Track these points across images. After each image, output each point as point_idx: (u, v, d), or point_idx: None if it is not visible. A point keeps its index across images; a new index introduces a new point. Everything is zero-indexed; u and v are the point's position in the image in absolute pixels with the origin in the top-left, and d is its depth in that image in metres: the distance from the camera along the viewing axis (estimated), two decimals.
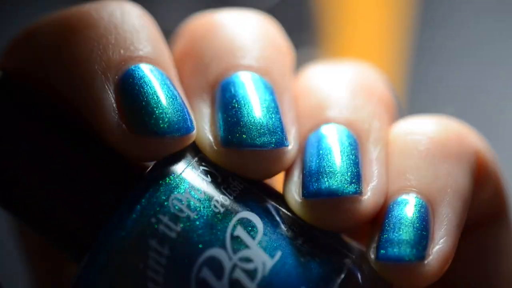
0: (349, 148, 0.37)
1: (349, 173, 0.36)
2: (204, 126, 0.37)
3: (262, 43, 0.39)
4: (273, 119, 0.36)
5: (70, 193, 0.36)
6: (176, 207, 0.35)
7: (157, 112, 0.35)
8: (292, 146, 0.36)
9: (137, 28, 0.37)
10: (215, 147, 0.36)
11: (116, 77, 0.36)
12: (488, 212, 0.40)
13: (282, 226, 0.36)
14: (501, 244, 0.41)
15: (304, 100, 0.39)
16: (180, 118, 0.36)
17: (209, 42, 0.39)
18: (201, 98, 0.37)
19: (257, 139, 0.36)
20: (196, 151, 0.37)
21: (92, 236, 0.35)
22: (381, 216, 0.36)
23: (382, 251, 0.35)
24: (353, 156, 0.36)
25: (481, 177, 0.39)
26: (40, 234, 0.38)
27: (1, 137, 0.36)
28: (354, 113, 0.38)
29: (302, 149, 0.37)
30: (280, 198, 0.37)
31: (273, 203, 0.36)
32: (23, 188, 0.36)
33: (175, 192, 0.35)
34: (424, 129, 0.38)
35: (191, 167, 0.36)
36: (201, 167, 0.36)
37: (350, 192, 0.35)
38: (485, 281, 0.41)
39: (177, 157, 0.36)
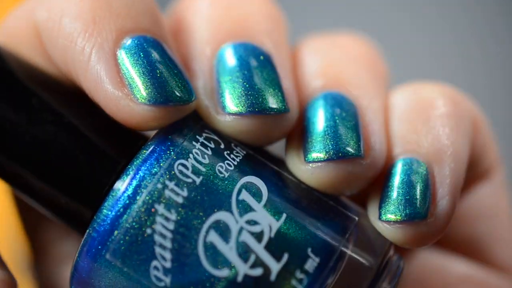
0: (349, 112, 0.37)
1: (350, 137, 0.36)
2: (205, 94, 0.37)
3: (258, 14, 0.39)
4: (273, 86, 0.37)
5: (76, 160, 0.36)
6: (182, 173, 0.35)
7: (158, 81, 0.36)
8: (292, 111, 0.37)
9: (134, 0, 0.38)
10: (216, 115, 0.37)
11: (116, 47, 0.36)
12: (477, 169, 0.41)
13: (286, 189, 0.36)
14: (490, 204, 0.42)
15: (303, 67, 0.39)
16: (181, 86, 0.36)
17: (206, 12, 0.39)
18: (200, 67, 0.38)
19: (257, 105, 0.36)
20: (198, 119, 0.37)
21: (98, 202, 0.36)
22: (382, 178, 0.37)
23: (384, 211, 0.36)
24: (354, 121, 0.37)
25: (477, 132, 0.39)
26: (45, 205, 0.38)
27: (6, 106, 0.36)
28: (352, 80, 0.38)
29: (302, 115, 0.38)
30: (283, 163, 0.37)
31: (275, 168, 0.37)
32: (27, 158, 0.36)
33: (180, 158, 0.35)
34: (422, 94, 0.38)
35: (194, 134, 0.36)
36: (204, 134, 0.36)
37: (352, 155, 0.36)
38: (479, 242, 0.42)
39: (179, 125, 0.36)
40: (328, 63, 0.39)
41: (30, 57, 0.39)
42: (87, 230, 0.35)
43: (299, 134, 0.37)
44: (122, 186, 0.35)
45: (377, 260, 0.36)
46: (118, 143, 0.37)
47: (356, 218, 0.36)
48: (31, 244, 0.43)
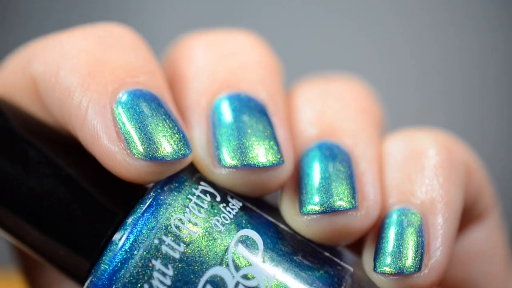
0: (343, 163, 0.37)
1: (344, 189, 0.37)
2: (200, 146, 0.37)
3: (253, 63, 0.39)
4: (267, 138, 0.37)
5: (74, 212, 0.37)
6: (178, 228, 0.35)
7: (154, 137, 0.36)
8: (287, 163, 0.37)
9: (129, 51, 0.38)
10: (212, 168, 0.37)
11: (113, 102, 0.36)
12: (472, 212, 0.42)
13: (281, 242, 0.37)
14: (485, 246, 0.42)
15: (298, 115, 0.39)
16: (177, 141, 0.36)
17: (201, 62, 0.39)
18: (195, 118, 0.38)
19: (252, 159, 0.37)
20: (194, 170, 0.37)
21: (96, 257, 0.36)
22: (377, 228, 0.37)
23: (379, 263, 0.36)
24: (348, 172, 0.37)
25: (469, 181, 0.40)
26: (43, 256, 0.38)
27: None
28: (346, 128, 0.39)
29: (298, 166, 0.38)
30: (278, 214, 0.38)
31: (271, 219, 0.37)
32: (25, 210, 0.37)
33: (177, 213, 0.36)
34: (415, 143, 0.39)
35: (190, 187, 0.37)
36: (200, 187, 0.37)
37: (347, 207, 0.36)
38: (473, 283, 0.42)
39: (176, 178, 0.37)
40: (322, 111, 0.39)
41: (27, 107, 0.39)
42: (86, 284, 0.36)
43: (294, 185, 0.38)
44: (120, 240, 0.35)
45: None
46: (116, 195, 0.37)
47: (351, 269, 0.37)
48: (31, 286, 0.44)
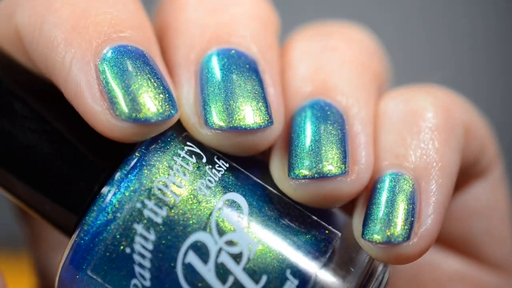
0: (335, 125, 0.36)
1: (334, 153, 0.36)
2: (188, 105, 0.36)
3: (246, 17, 0.38)
4: (256, 99, 0.36)
5: (58, 168, 0.36)
6: (161, 192, 0.35)
7: (139, 97, 0.35)
8: (276, 124, 0.36)
9: (116, 4, 0.36)
10: (199, 128, 0.36)
11: (97, 59, 0.35)
12: (474, 170, 0.40)
13: (268, 205, 0.36)
14: (487, 202, 0.41)
15: (292, 70, 0.38)
16: (162, 102, 0.35)
17: (192, 13, 0.38)
18: (184, 74, 0.37)
19: (240, 121, 0.35)
20: (181, 129, 0.36)
21: (81, 214, 0.36)
22: (369, 190, 0.36)
23: (367, 230, 0.35)
24: (340, 134, 0.36)
25: (468, 142, 0.38)
26: (31, 208, 0.38)
27: None
28: (341, 86, 0.37)
29: (289, 124, 0.37)
30: (267, 173, 0.37)
31: (259, 181, 0.36)
32: (13, 163, 0.36)
33: (160, 176, 0.35)
34: (413, 104, 0.37)
35: (175, 148, 0.36)
36: (186, 147, 0.36)
37: (337, 173, 0.35)
38: (473, 239, 0.42)
39: (161, 138, 0.36)
40: (317, 68, 0.38)
41: (13, 55, 0.38)
42: (70, 244, 0.35)
43: (285, 145, 0.37)
44: (103, 202, 0.35)
45: (358, 278, 0.35)
46: (102, 150, 0.36)
47: (339, 234, 0.36)
48: (29, 229, 0.44)
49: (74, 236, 0.35)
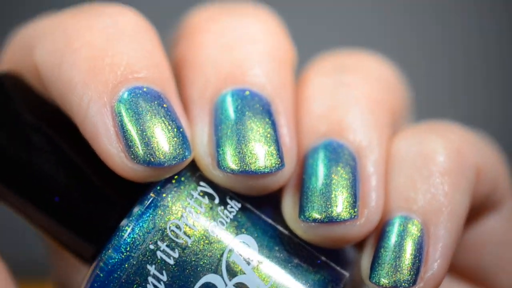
0: (347, 168, 0.37)
1: (345, 198, 0.36)
2: (202, 144, 0.37)
3: (261, 54, 0.38)
4: (268, 143, 0.36)
5: (72, 210, 0.37)
6: (174, 233, 0.36)
7: (153, 141, 0.36)
8: (288, 166, 0.37)
9: (133, 43, 0.37)
10: (211, 168, 0.37)
11: (113, 101, 0.36)
12: (486, 204, 0.41)
13: (278, 247, 0.37)
14: (500, 234, 0.42)
15: (307, 109, 0.38)
16: (176, 145, 0.36)
17: (208, 51, 0.38)
18: (199, 113, 0.37)
19: (251, 165, 0.36)
20: (195, 169, 0.37)
21: (93, 255, 0.37)
22: (377, 233, 0.37)
23: (374, 273, 0.36)
24: (351, 179, 0.37)
25: (480, 182, 0.39)
26: (53, 241, 0.39)
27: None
28: (355, 127, 0.38)
29: (301, 164, 0.37)
30: (278, 214, 0.38)
31: (269, 221, 0.37)
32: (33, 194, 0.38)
33: (173, 218, 0.36)
34: (425, 146, 0.38)
35: (189, 190, 0.36)
36: (199, 188, 0.37)
37: (346, 218, 0.36)
38: (484, 269, 0.42)
39: (176, 179, 0.37)
40: (332, 106, 0.38)
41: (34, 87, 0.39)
42: (86, 279, 0.37)
43: (297, 185, 0.37)
44: (120, 239, 0.36)
45: None
46: (113, 196, 0.37)
47: (347, 275, 0.37)
48: (50, 248, 0.45)
49: (90, 271, 0.37)
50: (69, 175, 0.37)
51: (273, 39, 0.39)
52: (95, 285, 0.36)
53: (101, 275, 0.36)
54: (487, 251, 0.42)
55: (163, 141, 0.36)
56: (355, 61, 0.41)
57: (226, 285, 0.36)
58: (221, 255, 0.36)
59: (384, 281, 0.36)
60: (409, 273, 0.36)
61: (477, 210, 0.41)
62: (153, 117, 0.36)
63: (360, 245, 0.38)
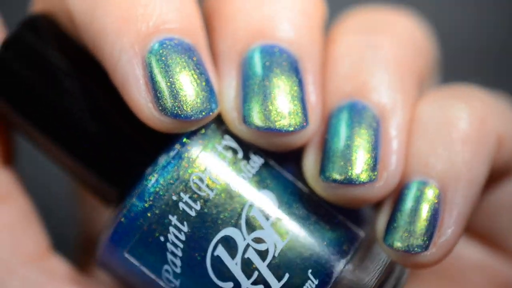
0: (370, 130, 0.37)
1: (366, 160, 0.37)
2: (229, 99, 0.38)
3: (292, 10, 0.38)
4: (294, 101, 0.37)
5: (100, 154, 0.38)
6: (197, 186, 0.37)
7: (181, 94, 0.36)
8: (312, 125, 0.37)
9: None
10: (237, 123, 0.37)
11: (144, 51, 0.37)
12: (507, 169, 0.41)
13: (297, 204, 0.37)
14: None
15: (334, 68, 0.39)
16: (204, 99, 0.37)
17: (240, 4, 0.39)
18: (227, 66, 0.38)
19: (277, 121, 0.37)
20: (221, 122, 0.38)
21: (117, 200, 0.38)
22: (395, 195, 0.38)
23: (389, 236, 0.37)
24: (373, 141, 0.37)
25: (501, 150, 0.39)
26: (79, 181, 0.41)
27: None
28: (380, 88, 0.38)
29: (325, 124, 0.38)
30: (300, 171, 0.38)
31: (290, 178, 0.38)
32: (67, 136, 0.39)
33: (196, 171, 0.37)
34: (448, 113, 0.38)
35: (213, 143, 0.37)
36: (223, 142, 0.37)
37: (365, 181, 0.37)
38: (498, 232, 0.43)
39: (201, 132, 0.37)
40: (359, 67, 0.39)
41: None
42: (110, 224, 0.38)
43: (320, 144, 0.38)
44: (144, 188, 0.37)
45: (377, 278, 0.37)
46: (140, 144, 0.38)
47: (362, 235, 0.38)
48: (76, 191, 0.46)
49: (114, 217, 0.38)
50: (99, 120, 0.38)
51: None
52: (118, 231, 0.37)
53: (124, 222, 0.37)
54: (505, 215, 0.43)
55: (191, 94, 0.36)
56: (385, 20, 0.41)
57: (244, 239, 0.37)
58: (241, 210, 0.37)
59: (397, 244, 0.37)
60: (422, 238, 0.37)
61: (496, 176, 0.41)
62: (183, 69, 0.37)
63: (378, 205, 0.39)
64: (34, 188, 0.43)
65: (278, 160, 0.38)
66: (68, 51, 0.39)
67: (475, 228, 0.43)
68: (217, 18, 0.39)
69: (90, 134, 0.38)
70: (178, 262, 0.37)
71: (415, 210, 0.37)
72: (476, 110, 0.38)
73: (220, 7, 0.39)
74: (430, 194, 0.37)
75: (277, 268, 0.37)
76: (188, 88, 0.36)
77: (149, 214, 0.37)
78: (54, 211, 0.53)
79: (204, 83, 0.37)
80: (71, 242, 0.47)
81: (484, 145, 0.38)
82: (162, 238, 0.37)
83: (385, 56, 0.39)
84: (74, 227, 0.48)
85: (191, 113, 0.36)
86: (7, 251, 0.40)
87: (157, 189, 0.37)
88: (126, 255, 0.37)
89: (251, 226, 0.37)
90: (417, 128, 0.38)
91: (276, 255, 0.37)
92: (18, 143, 0.42)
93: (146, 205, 0.37)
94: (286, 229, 0.37)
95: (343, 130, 0.37)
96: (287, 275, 0.37)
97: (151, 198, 0.37)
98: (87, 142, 0.38)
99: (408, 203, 0.37)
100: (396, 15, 0.41)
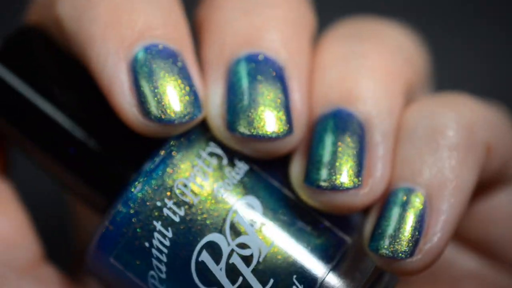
0: (354, 138, 0.37)
1: (350, 167, 0.37)
2: (214, 106, 0.38)
3: (279, 19, 0.39)
4: (277, 108, 0.37)
5: (86, 161, 0.39)
6: (181, 192, 0.37)
7: (165, 99, 0.37)
8: (297, 132, 0.37)
9: (152, 1, 0.38)
10: (222, 130, 0.38)
11: (129, 56, 0.37)
12: (498, 178, 0.41)
13: (282, 210, 0.37)
14: (511, 208, 0.42)
15: (321, 76, 0.39)
16: (188, 104, 0.37)
17: (227, 13, 0.39)
18: (214, 74, 0.38)
19: (261, 128, 0.37)
20: (206, 128, 0.38)
21: (104, 208, 0.38)
22: (382, 201, 0.38)
23: (374, 242, 0.37)
24: (359, 147, 0.37)
25: (490, 158, 0.39)
26: (66, 188, 0.41)
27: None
28: (366, 96, 0.38)
29: (311, 130, 0.38)
30: (285, 177, 0.38)
31: (276, 184, 0.38)
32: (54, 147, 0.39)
33: (181, 177, 0.37)
34: (436, 120, 0.38)
35: (198, 149, 0.37)
36: (208, 148, 0.38)
37: (349, 187, 0.37)
38: (492, 241, 0.43)
39: (186, 136, 0.38)
40: (345, 75, 0.39)
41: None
42: (97, 231, 0.38)
43: (305, 151, 0.38)
44: (129, 195, 0.37)
45: (363, 285, 0.37)
46: (125, 151, 0.39)
47: (349, 241, 0.38)
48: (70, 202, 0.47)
49: (100, 223, 0.38)
50: (86, 128, 0.39)
51: (293, 4, 0.39)
52: (104, 237, 0.38)
53: (110, 228, 0.37)
54: (498, 225, 0.42)
55: (174, 99, 0.37)
56: (373, 29, 0.41)
57: (229, 244, 0.37)
58: (226, 215, 0.37)
59: (383, 250, 0.37)
60: (407, 244, 0.36)
61: (488, 185, 0.41)
62: (167, 75, 0.37)
63: (367, 212, 0.39)
64: (28, 197, 0.44)
65: (263, 167, 0.38)
66: (56, 60, 0.40)
67: (469, 237, 0.43)
68: (206, 27, 0.39)
69: (76, 142, 0.39)
70: (163, 267, 0.37)
71: (401, 216, 0.37)
72: (464, 118, 0.38)
73: (209, 16, 0.40)
74: (416, 201, 0.37)
75: (261, 274, 0.37)
76: (171, 93, 0.37)
77: (134, 220, 0.37)
78: (47, 220, 0.53)
79: (188, 88, 0.37)
80: (64, 251, 0.48)
81: (472, 153, 0.38)
82: (147, 244, 0.37)
83: (371, 64, 0.39)
84: (67, 236, 0.48)
85: (175, 117, 0.37)
86: (1, 262, 0.40)
87: (142, 195, 0.37)
88: (112, 261, 0.38)
89: (235, 232, 0.37)
90: (404, 135, 0.38)
91: (260, 260, 0.37)
92: (12, 153, 0.43)
93: (131, 211, 0.37)
94: (271, 234, 0.37)
95: (328, 137, 0.38)
96: (271, 281, 0.37)
97: (135, 204, 0.37)
98: (74, 150, 0.39)
99: (394, 210, 0.37)
100: (385, 25, 0.42)
